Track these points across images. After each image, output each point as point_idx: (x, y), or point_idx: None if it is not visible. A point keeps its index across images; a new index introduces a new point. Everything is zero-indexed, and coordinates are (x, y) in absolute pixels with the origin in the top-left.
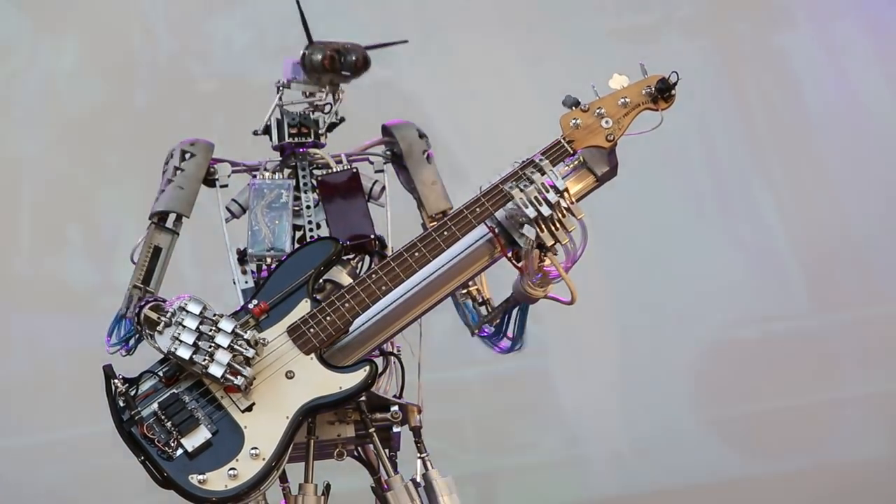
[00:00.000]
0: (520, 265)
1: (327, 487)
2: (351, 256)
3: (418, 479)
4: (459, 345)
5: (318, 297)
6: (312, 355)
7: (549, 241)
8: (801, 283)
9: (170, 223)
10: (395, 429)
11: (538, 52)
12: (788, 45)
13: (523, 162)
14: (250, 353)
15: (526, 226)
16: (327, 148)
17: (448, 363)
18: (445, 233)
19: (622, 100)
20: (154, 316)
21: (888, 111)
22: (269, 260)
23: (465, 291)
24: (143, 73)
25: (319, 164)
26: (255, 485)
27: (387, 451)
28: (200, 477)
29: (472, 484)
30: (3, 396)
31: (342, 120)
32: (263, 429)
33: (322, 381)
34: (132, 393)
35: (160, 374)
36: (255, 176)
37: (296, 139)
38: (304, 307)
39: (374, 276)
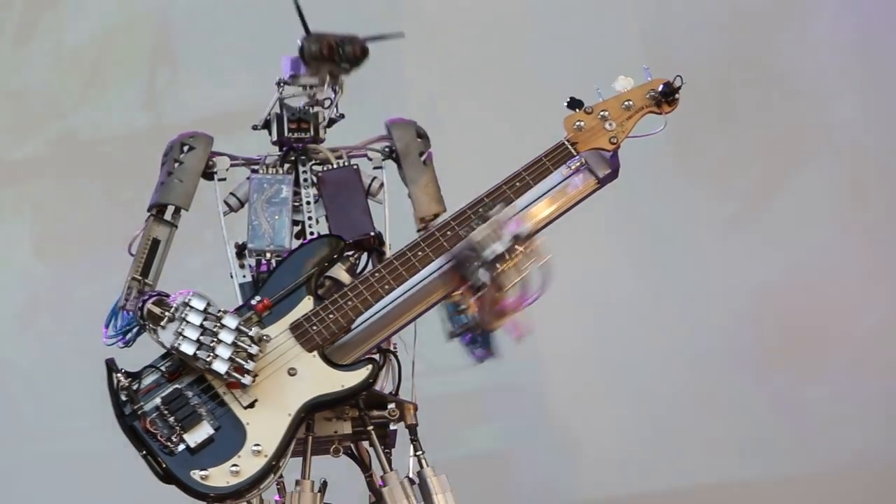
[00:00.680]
0: (472, 301)
1: (324, 484)
2: (350, 253)
3: (412, 477)
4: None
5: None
6: (315, 353)
7: (507, 282)
8: None
9: (168, 215)
10: (392, 426)
11: (536, 49)
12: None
13: (489, 193)
14: (254, 349)
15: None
16: (327, 143)
17: (447, 362)
18: (448, 233)
19: (626, 103)
20: (157, 310)
21: None
22: (268, 255)
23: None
24: None
25: (319, 160)
26: (256, 481)
27: (382, 448)
28: (202, 472)
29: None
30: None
31: (342, 116)
32: (265, 426)
33: (324, 379)
34: (134, 387)
35: (162, 368)
36: (254, 170)
37: (295, 134)
38: (306, 304)
39: (377, 274)
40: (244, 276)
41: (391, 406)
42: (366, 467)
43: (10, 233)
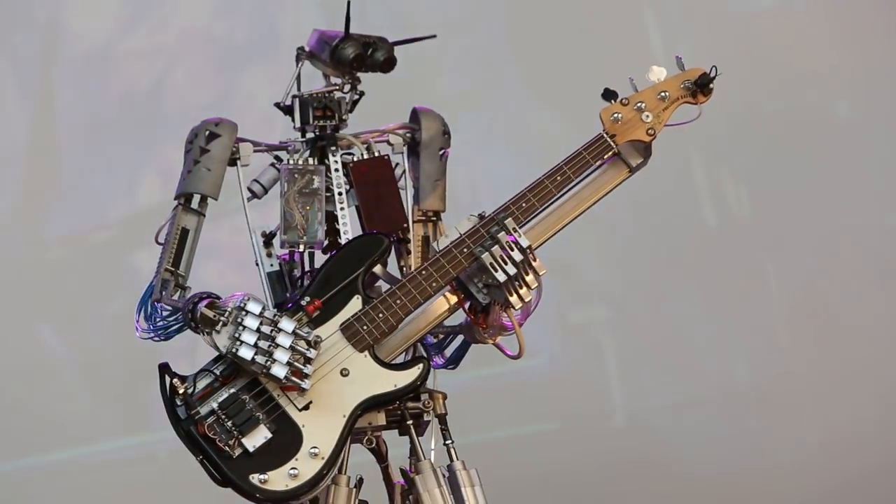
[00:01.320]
0: (478, 320)
1: (360, 481)
2: None
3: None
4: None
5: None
6: (366, 353)
7: (514, 300)
8: None
9: (195, 204)
10: (427, 417)
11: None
12: None
13: (486, 218)
14: (312, 353)
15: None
16: (349, 127)
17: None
18: (494, 228)
19: (661, 93)
20: (211, 314)
21: None
22: (301, 247)
23: None
24: None
25: (345, 147)
26: (315, 484)
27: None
28: (262, 476)
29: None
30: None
31: (362, 94)
32: (321, 427)
33: (377, 379)
34: (189, 391)
35: (216, 372)
36: (279, 159)
37: (321, 122)
38: (355, 304)
39: (424, 272)
40: (272, 265)
41: (424, 397)
42: (382, 458)
43: None
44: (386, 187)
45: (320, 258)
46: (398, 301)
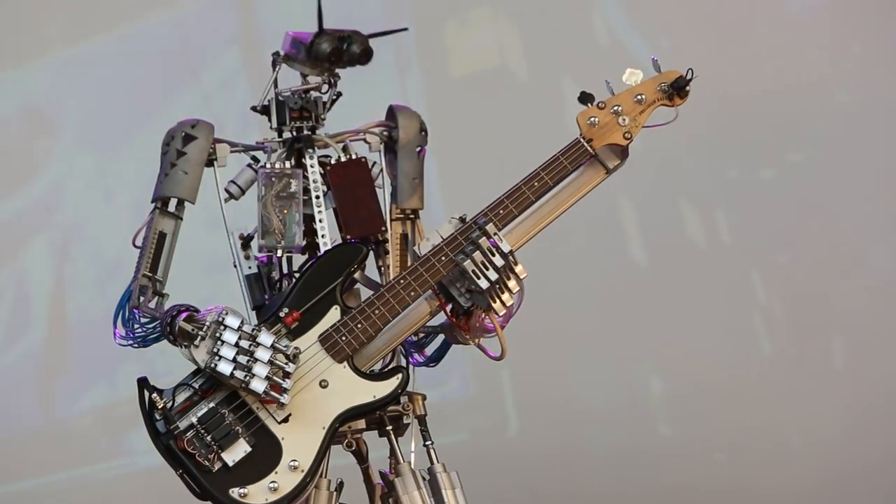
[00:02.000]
0: (459, 323)
1: (340, 485)
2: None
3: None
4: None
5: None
6: (345, 363)
7: (496, 305)
8: None
9: (172, 207)
10: (406, 420)
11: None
12: None
13: (466, 224)
14: (290, 368)
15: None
16: (325, 126)
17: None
18: (474, 235)
19: (638, 96)
20: (189, 328)
21: None
22: (279, 252)
23: None
24: None
25: (322, 147)
26: (294, 497)
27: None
28: (241, 491)
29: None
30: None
31: (339, 95)
32: (301, 440)
33: (357, 390)
34: (168, 406)
35: (195, 386)
36: (256, 160)
37: (298, 123)
38: (334, 314)
39: (402, 281)
40: (249, 268)
41: (404, 400)
42: (363, 459)
43: None
44: (363, 190)
45: (299, 260)
46: (376, 311)
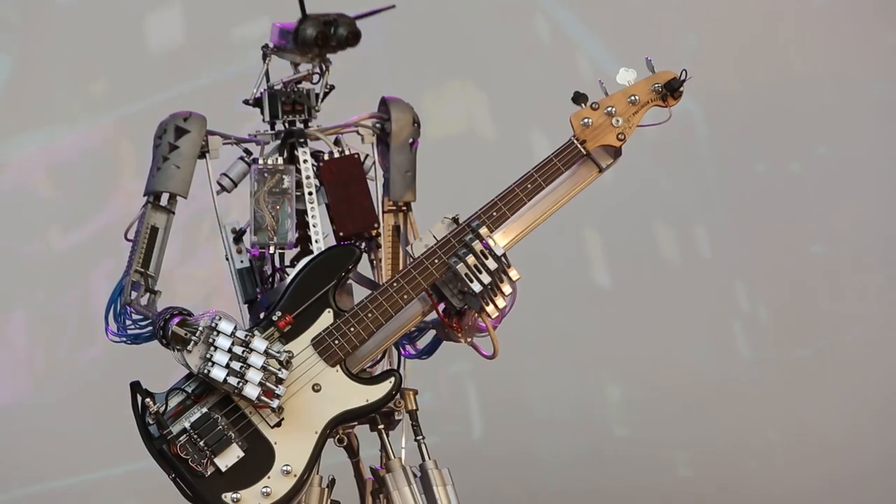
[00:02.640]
0: (451, 323)
1: (332, 481)
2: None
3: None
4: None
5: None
6: (338, 367)
7: (489, 308)
8: None
9: (163, 201)
10: (398, 416)
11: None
12: None
13: (459, 226)
14: (283, 374)
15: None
16: (318, 119)
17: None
18: (468, 238)
19: (631, 97)
20: (182, 332)
21: None
22: (272, 248)
23: None
24: None
25: (315, 141)
26: (287, 502)
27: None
28: (234, 496)
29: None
30: None
31: (332, 88)
32: (294, 445)
33: (349, 394)
34: (161, 410)
35: (188, 390)
36: (248, 152)
37: (290, 117)
38: (327, 318)
39: (395, 284)
40: (242, 262)
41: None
42: (354, 453)
43: None
44: (355, 186)
45: (291, 253)
46: (370, 315)
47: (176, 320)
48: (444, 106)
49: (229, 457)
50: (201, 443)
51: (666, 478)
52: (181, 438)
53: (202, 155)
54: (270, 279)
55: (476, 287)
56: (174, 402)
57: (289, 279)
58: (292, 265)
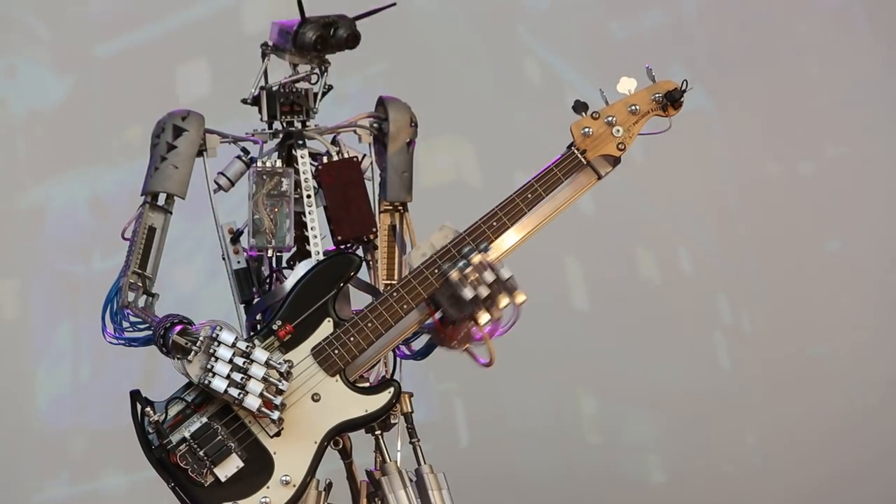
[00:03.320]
0: (447, 331)
1: (329, 485)
2: (349, 245)
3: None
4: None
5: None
6: (337, 377)
7: (483, 319)
8: None
9: (161, 201)
10: (394, 420)
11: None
12: None
13: (458, 236)
14: (284, 386)
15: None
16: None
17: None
18: (465, 249)
19: (632, 107)
20: (183, 342)
21: None
22: (270, 252)
23: None
24: None
25: (312, 141)
26: None
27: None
28: None
29: None
30: None
31: (330, 87)
32: (293, 454)
33: (349, 404)
34: (161, 419)
35: (188, 399)
36: (246, 151)
37: (288, 117)
38: (326, 327)
39: (395, 294)
40: (238, 262)
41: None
42: (347, 454)
43: None
44: (354, 190)
45: (288, 254)
46: (369, 324)
47: (177, 329)
48: (434, 157)
49: (229, 466)
50: (201, 452)
51: (642, 483)
52: (181, 448)
53: (200, 153)
54: (267, 281)
55: (467, 293)
56: (174, 411)
57: (288, 288)
58: (289, 266)
